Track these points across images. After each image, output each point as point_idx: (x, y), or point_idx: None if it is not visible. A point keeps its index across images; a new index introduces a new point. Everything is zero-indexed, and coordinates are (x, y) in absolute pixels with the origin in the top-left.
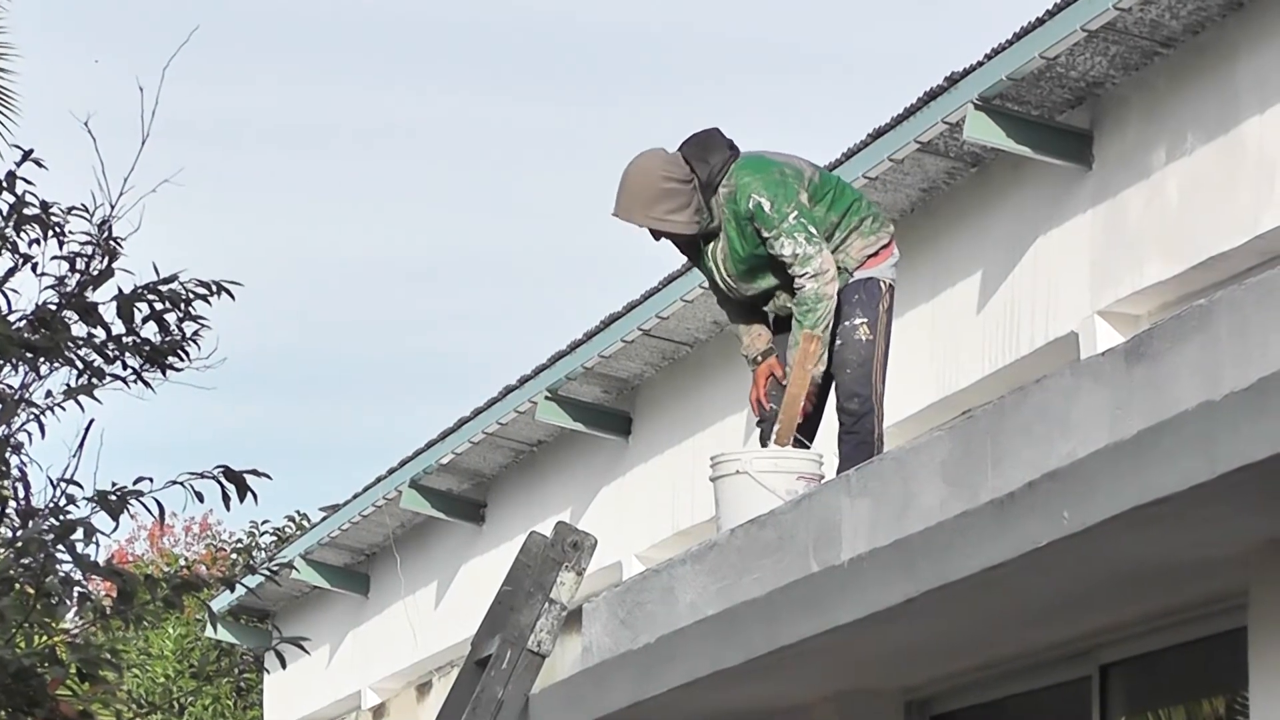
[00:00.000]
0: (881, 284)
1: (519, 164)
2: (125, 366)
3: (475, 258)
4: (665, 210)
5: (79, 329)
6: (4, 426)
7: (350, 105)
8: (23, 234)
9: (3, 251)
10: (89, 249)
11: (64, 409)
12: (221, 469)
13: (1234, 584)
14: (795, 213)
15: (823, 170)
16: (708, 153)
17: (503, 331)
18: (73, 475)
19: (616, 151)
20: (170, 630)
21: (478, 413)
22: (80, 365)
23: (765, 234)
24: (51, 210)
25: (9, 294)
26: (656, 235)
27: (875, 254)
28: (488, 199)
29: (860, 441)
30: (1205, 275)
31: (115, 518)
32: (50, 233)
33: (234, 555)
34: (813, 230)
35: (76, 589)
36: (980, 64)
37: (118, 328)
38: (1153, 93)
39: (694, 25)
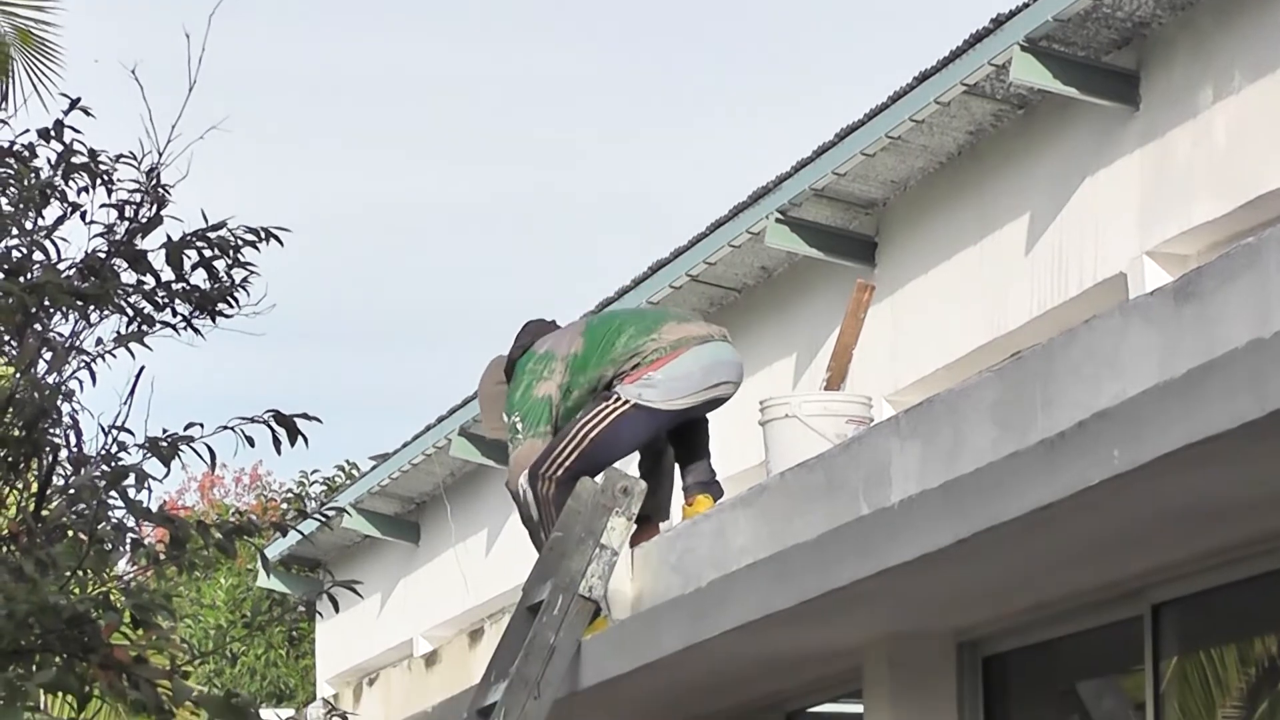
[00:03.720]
0: (617, 396)
1: (567, 111)
2: (175, 313)
3: (524, 205)
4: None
5: (128, 276)
6: (55, 374)
7: (402, 54)
8: (71, 182)
9: (51, 200)
10: (137, 197)
11: (114, 356)
12: (272, 413)
13: None
14: (519, 418)
15: (597, 331)
16: (509, 362)
17: (548, 278)
18: (124, 423)
19: (663, 97)
20: (222, 580)
21: None
22: (130, 312)
23: None
24: (100, 158)
25: (58, 243)
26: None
27: (625, 373)
28: (536, 146)
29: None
30: (1254, 214)
31: (167, 464)
32: (99, 181)
33: (284, 505)
34: (522, 430)
35: (129, 535)
36: (1026, 5)
37: (167, 275)
38: (1199, 32)
39: None
